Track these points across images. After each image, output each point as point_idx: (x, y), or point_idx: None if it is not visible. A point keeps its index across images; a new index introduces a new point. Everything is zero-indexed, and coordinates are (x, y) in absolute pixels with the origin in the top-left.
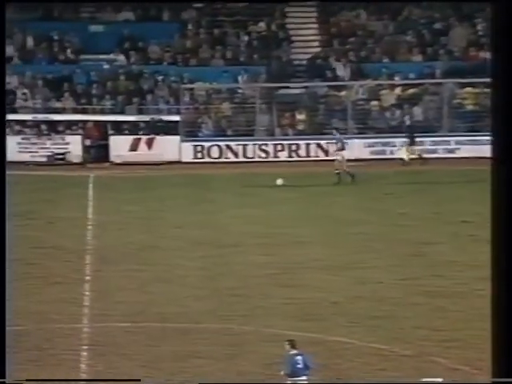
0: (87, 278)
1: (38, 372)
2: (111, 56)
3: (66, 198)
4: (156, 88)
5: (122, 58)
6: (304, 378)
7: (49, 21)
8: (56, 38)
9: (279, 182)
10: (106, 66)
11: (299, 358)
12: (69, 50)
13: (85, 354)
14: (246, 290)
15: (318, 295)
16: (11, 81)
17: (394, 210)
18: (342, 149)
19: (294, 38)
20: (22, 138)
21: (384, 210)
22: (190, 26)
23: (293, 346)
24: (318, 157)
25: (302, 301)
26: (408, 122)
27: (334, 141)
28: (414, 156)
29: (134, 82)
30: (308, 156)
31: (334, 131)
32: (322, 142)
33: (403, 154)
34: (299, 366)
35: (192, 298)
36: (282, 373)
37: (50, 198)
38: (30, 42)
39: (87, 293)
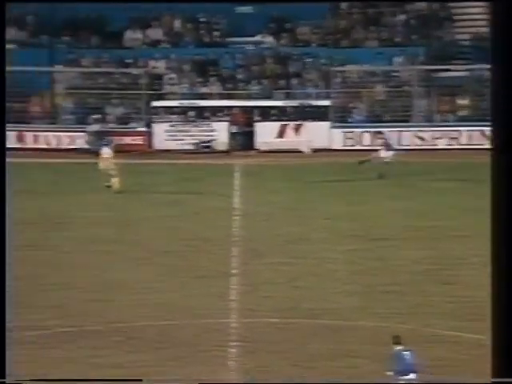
0: (234, 271)
1: (188, 370)
2: (258, 38)
3: (212, 187)
4: (304, 71)
5: (269, 40)
6: (413, 375)
7: (197, 2)
8: (203, 20)
9: None
10: (252, 49)
11: (407, 353)
12: (216, 33)
13: (233, 350)
14: (401, 286)
15: (481, 294)
16: (158, 65)
17: None
18: (390, 149)
19: (456, 17)
20: (170, 126)
21: None
22: (342, 6)
23: (398, 343)
24: (481, 145)
25: (463, 299)
26: None
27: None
28: None
29: (281, 65)
30: (470, 144)
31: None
32: (487, 130)
33: None
34: (407, 362)
35: (343, 293)
36: (388, 373)
37: (196, 187)
38: (177, 24)
39: (235, 287)
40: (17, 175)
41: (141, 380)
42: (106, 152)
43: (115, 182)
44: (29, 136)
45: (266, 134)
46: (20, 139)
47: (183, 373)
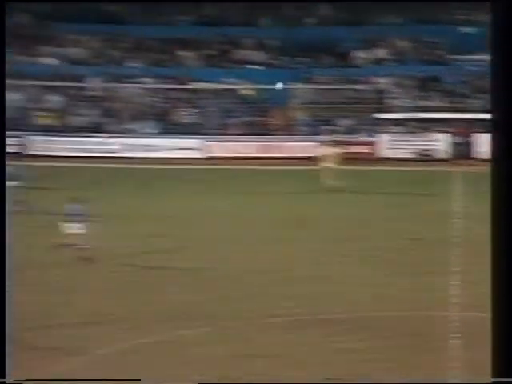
0: (455, 269)
1: (415, 358)
2: (480, 56)
3: (433, 191)
4: None
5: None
6: None
7: (422, 24)
8: (427, 39)
9: None
10: (474, 67)
11: None
12: (439, 51)
13: (453, 342)
14: None
15: None
16: (383, 81)
17: None
18: None
19: None
20: (393, 136)
21: None
22: None
23: None
24: None
25: None
26: None
27: None
28: None
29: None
30: None
31: None
32: None
33: None
34: None
35: None
36: None
37: (417, 191)
38: (402, 44)
39: (454, 283)
40: (251, 180)
41: (139, 380)
42: (331, 158)
43: (333, 183)
44: (271, 146)
45: (485, 144)
46: (263, 149)
47: (411, 360)
